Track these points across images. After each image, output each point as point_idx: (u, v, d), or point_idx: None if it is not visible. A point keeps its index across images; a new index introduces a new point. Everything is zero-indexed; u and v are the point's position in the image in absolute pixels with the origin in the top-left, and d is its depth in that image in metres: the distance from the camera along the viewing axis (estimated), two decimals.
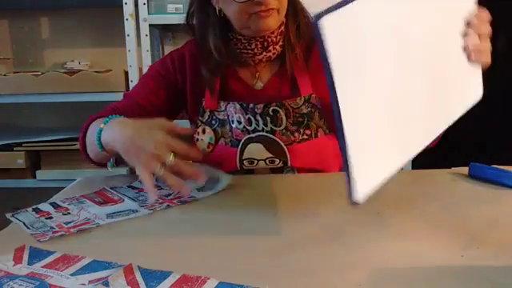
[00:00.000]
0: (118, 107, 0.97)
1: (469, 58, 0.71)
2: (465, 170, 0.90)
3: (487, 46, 0.73)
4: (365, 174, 0.49)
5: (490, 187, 0.82)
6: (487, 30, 0.72)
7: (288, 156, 0.95)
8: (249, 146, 0.96)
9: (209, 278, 0.49)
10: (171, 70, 1.02)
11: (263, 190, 0.83)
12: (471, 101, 0.74)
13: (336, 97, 0.45)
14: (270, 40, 0.95)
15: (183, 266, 0.52)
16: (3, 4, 1.88)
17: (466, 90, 0.74)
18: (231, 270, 0.52)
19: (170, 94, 1.02)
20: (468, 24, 0.70)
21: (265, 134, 0.96)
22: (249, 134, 0.96)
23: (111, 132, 0.80)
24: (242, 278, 0.49)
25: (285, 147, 0.95)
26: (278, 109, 0.95)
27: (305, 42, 0.99)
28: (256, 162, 0.96)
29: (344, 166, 0.48)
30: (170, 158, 0.71)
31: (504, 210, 0.71)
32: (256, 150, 0.96)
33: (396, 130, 0.55)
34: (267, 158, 0.96)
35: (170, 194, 0.80)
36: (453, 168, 0.93)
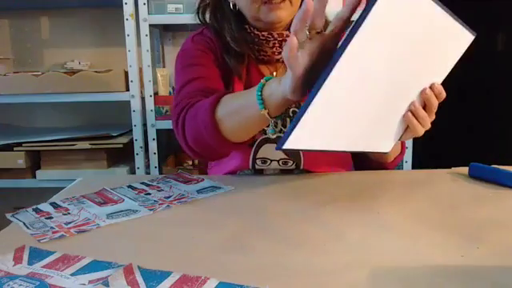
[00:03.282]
0: (198, 90, 0.89)
1: (404, 115, 0.74)
2: (465, 169, 0.90)
3: (426, 117, 0.75)
4: (302, 134, 0.56)
5: (490, 187, 0.82)
6: (435, 103, 0.75)
7: (302, 158, 0.95)
8: (264, 145, 0.95)
9: (209, 278, 0.49)
10: (207, 46, 0.98)
11: (263, 190, 0.83)
12: (375, 147, 0.79)
13: (335, 63, 0.52)
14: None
15: (183, 266, 0.52)
16: (3, 4, 1.89)
17: (383, 135, 0.77)
18: (231, 269, 0.52)
19: (216, 65, 0.97)
20: (421, 92, 0.73)
21: (282, 134, 0.95)
22: (265, 134, 0.95)
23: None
24: (242, 278, 0.49)
25: None
26: (297, 110, 0.95)
27: None
28: (269, 161, 0.96)
29: (294, 120, 0.54)
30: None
31: (504, 210, 0.71)
32: (271, 150, 0.95)
33: (343, 123, 0.63)
34: (281, 159, 0.95)
35: (170, 196, 0.80)
36: (453, 168, 0.94)
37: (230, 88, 0.97)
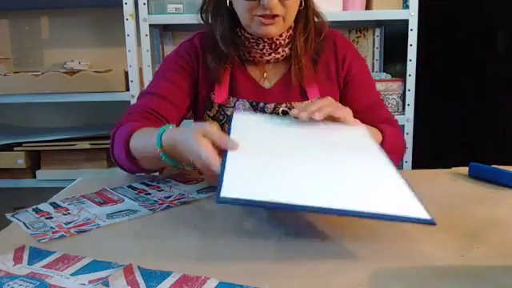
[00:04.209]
0: (148, 107, 0.95)
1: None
2: (465, 169, 0.90)
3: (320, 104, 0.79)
4: (234, 183, 0.57)
5: (490, 187, 0.82)
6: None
7: None
8: None
9: (209, 278, 0.49)
10: (188, 60, 1.01)
11: None
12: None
13: None
14: (278, 42, 0.96)
15: (183, 266, 0.52)
16: (3, 4, 1.88)
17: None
18: (231, 270, 0.52)
19: (190, 85, 1.01)
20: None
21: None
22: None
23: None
24: (241, 278, 0.49)
25: None
26: (288, 110, 0.95)
27: (310, 52, 0.99)
28: None
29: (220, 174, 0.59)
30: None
31: (504, 210, 0.71)
32: None
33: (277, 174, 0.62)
34: None
35: (170, 196, 0.80)
36: (453, 168, 0.94)
37: (210, 95, 1.00)
